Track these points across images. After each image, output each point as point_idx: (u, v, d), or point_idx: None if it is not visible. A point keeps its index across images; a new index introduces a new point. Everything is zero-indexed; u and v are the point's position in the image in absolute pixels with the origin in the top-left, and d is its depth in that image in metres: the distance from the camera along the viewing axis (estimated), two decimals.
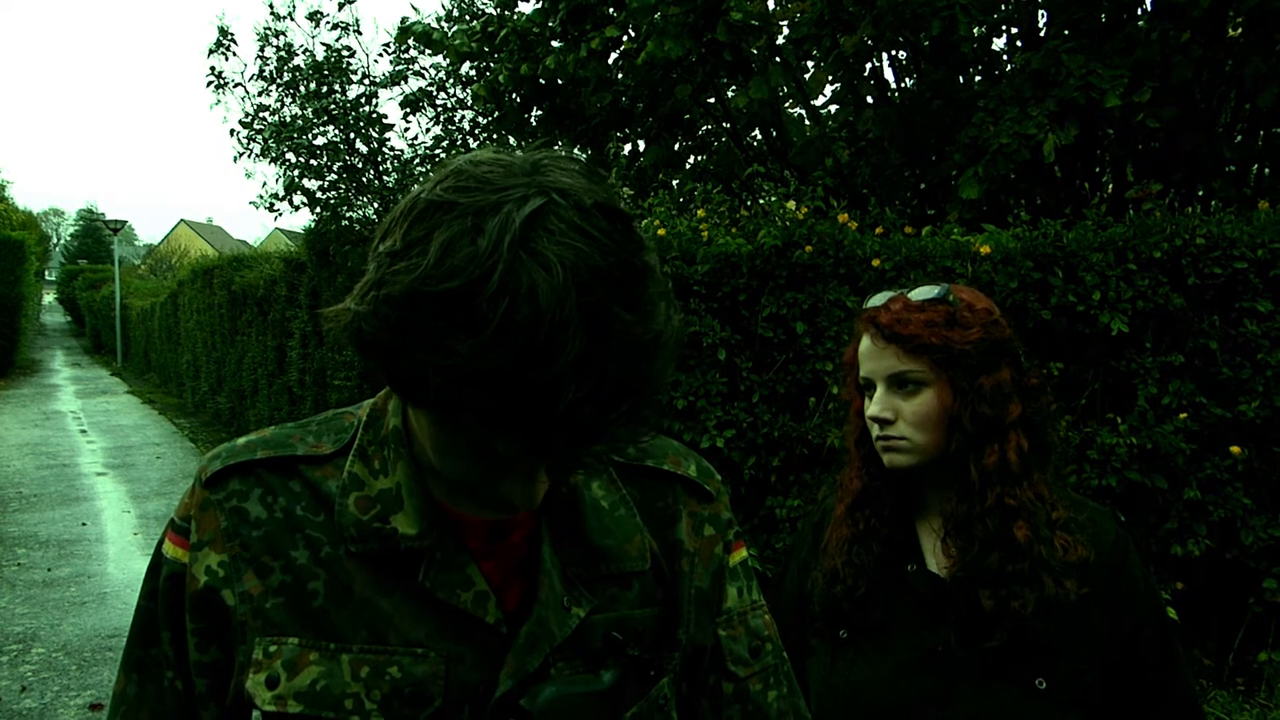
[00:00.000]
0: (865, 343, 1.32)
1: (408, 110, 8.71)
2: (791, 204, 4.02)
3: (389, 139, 8.42)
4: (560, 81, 6.49)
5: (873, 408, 1.29)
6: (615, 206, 0.68)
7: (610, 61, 6.29)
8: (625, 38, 5.97)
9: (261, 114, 8.54)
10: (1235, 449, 3.61)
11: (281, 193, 8.35)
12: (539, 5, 6.33)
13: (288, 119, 8.32)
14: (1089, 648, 1.23)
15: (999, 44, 6.03)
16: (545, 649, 0.82)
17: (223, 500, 0.84)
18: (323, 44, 8.62)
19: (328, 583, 0.82)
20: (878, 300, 1.34)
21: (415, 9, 9.81)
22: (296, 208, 8.43)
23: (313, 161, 8.21)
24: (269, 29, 8.48)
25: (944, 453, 1.27)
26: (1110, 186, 5.83)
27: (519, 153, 0.71)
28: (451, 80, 8.63)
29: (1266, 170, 5.60)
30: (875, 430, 1.30)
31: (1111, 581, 1.25)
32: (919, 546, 1.33)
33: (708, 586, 0.93)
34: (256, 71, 8.54)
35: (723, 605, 0.94)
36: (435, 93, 8.77)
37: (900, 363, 1.27)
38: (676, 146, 7.14)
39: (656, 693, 0.88)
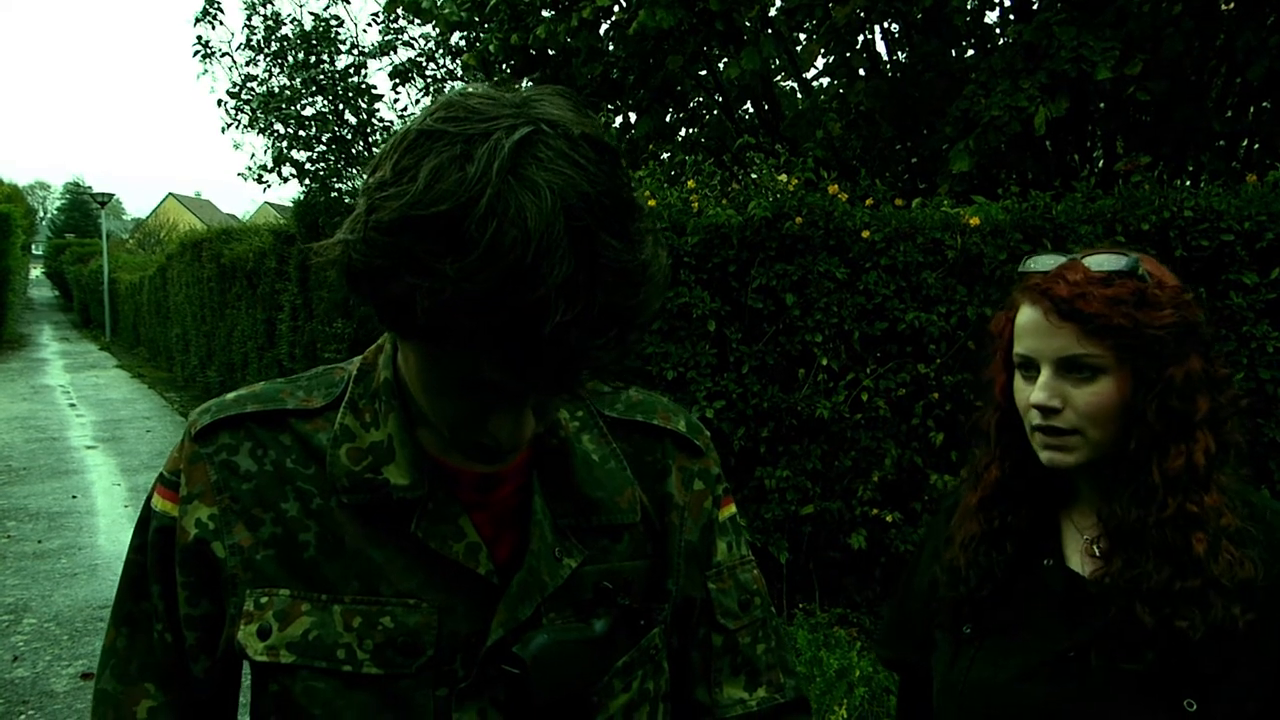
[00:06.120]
0: (1029, 315, 1.12)
1: (397, 81, 8.64)
2: (783, 176, 4.01)
3: (378, 110, 8.37)
4: (551, 52, 6.44)
5: (1037, 393, 1.10)
6: (603, 140, 0.69)
7: (601, 32, 6.24)
8: (617, 7, 5.93)
9: (249, 84, 8.46)
10: None
11: (270, 164, 8.30)
12: None
13: (276, 89, 8.25)
14: (1256, 675, 1.05)
15: (992, 17, 6.02)
16: (537, 598, 0.83)
17: (212, 454, 0.85)
18: (310, 13, 8.60)
19: (319, 534, 0.83)
20: (1041, 264, 1.14)
21: None
22: (285, 179, 8.39)
23: (301, 132, 8.16)
24: None
25: (1118, 450, 1.10)
26: (1100, 160, 5.84)
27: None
28: (441, 50, 8.55)
29: (1255, 144, 5.61)
30: (1035, 419, 1.12)
31: None
32: (1059, 540, 1.17)
33: (697, 540, 0.94)
34: (244, 41, 8.46)
35: (712, 559, 0.96)
36: (425, 63, 8.70)
37: (1077, 345, 1.08)
38: (668, 118, 7.10)
39: (647, 642, 0.89)
